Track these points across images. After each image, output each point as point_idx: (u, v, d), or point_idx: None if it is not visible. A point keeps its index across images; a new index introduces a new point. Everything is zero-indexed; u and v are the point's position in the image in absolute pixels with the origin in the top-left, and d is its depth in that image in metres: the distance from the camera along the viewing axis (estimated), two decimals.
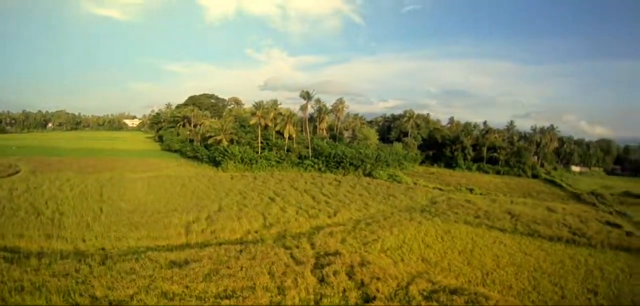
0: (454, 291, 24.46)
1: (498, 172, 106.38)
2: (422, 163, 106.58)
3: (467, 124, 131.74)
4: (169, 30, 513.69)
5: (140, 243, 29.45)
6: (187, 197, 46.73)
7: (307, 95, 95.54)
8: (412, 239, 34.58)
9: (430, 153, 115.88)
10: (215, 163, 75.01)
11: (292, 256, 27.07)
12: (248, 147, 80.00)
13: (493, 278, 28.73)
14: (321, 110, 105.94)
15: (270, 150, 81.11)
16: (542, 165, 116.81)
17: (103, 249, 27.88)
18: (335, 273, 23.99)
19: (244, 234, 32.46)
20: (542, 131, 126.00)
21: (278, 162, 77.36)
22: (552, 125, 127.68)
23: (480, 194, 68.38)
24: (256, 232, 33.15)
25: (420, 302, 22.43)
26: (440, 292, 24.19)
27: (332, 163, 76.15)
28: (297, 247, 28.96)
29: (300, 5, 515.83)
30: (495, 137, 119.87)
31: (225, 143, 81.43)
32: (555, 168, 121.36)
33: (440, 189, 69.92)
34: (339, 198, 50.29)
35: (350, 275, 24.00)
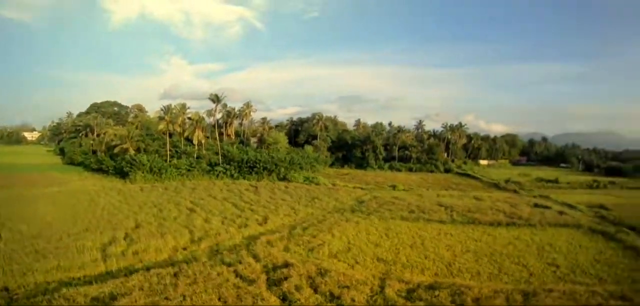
0: (431, 287, 23.95)
1: (410, 169, 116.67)
2: (332, 165, 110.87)
3: (378, 124, 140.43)
4: (71, 37, 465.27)
5: (51, 276, 26.03)
6: (97, 214, 44.46)
7: (216, 98, 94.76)
8: (357, 240, 35.09)
9: (340, 155, 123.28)
10: (123, 175, 74.40)
11: (238, 274, 24.89)
12: (156, 155, 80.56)
13: (458, 267, 29.35)
14: (230, 114, 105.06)
15: (180, 157, 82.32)
16: (452, 161, 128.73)
17: (6, 289, 23.77)
18: (297, 288, 22.46)
19: (172, 252, 30.28)
20: (452, 128, 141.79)
21: (188, 170, 78.18)
22: (460, 123, 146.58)
23: (404, 190, 73.41)
24: (185, 249, 31.14)
25: (405, 304, 21.45)
26: (418, 290, 23.45)
27: (245, 169, 78.77)
28: (240, 262, 27.13)
29: (204, 11, 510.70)
30: (406, 136, 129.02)
31: (132, 151, 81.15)
32: (465, 163, 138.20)
33: (361, 188, 73.74)
34: (263, 204, 50.95)
35: (314, 288, 22.84)
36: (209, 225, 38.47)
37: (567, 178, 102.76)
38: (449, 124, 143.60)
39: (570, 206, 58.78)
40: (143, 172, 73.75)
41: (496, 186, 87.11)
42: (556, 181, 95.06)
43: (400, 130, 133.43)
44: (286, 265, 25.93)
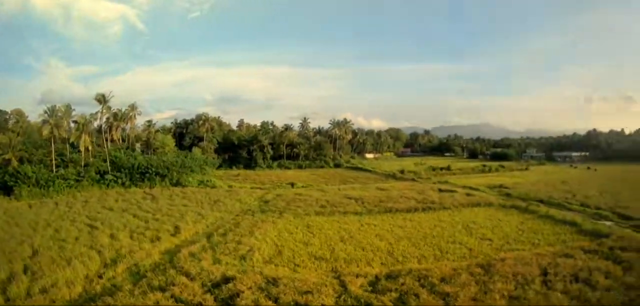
0: (392, 276, 24.19)
1: (300, 166, 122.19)
2: (219, 167, 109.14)
3: (265, 123, 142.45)
4: None
5: None
6: None
7: (102, 98, 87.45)
8: (283, 241, 34.98)
9: (226, 156, 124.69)
10: (6, 191, 68.50)
11: (178, 299, 21.68)
12: (41, 165, 75.82)
13: (400, 254, 30.46)
14: (116, 117, 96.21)
15: (66, 167, 78.19)
16: (340, 156, 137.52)
17: None
18: (256, 303, 20.57)
19: (86, 283, 26.32)
20: (338, 124, 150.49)
21: (77, 180, 74.78)
22: (345, 119, 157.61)
23: (304, 187, 75.35)
24: (101, 277, 27.55)
25: (379, 297, 20.99)
26: (381, 282, 23.47)
27: (136, 176, 77.55)
28: (173, 285, 23.74)
29: (85, 6, 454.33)
30: (293, 134, 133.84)
31: (15, 163, 75.09)
32: (353, 157, 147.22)
33: (260, 188, 74.37)
34: (166, 213, 49.23)
35: (274, 299, 21.08)
36: (117, 243, 35.22)
37: (457, 165, 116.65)
38: (335, 120, 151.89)
39: (473, 188, 65.91)
40: (29, 186, 69.25)
41: (393, 176, 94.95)
42: (449, 168, 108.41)
43: (287, 128, 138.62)
44: (227, 279, 23.74)
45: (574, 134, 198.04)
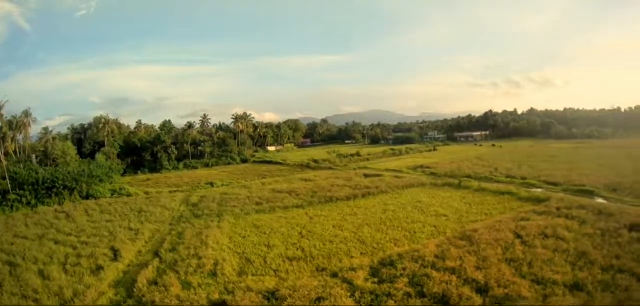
0: (391, 262, 25.06)
1: (207, 165, 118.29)
2: (124, 173, 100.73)
3: (166, 123, 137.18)
4: None
5: None
6: None
7: None
8: (241, 246, 33.63)
9: (129, 160, 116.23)
10: None
11: None
12: None
13: (374, 241, 31.56)
14: (12, 124, 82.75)
15: None
16: (244, 151, 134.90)
17: None
18: None
19: None
20: (239, 119, 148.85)
21: None
22: (245, 113, 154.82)
23: (224, 185, 73.79)
24: None
25: (404, 282, 21.82)
26: (384, 268, 24.34)
27: (42, 192, 68.16)
28: None
29: None
30: (196, 132, 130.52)
31: None
32: (256, 151, 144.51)
33: (180, 191, 70.74)
34: (92, 233, 42.76)
35: None
36: (53, 283, 28.46)
37: (364, 151, 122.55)
38: (237, 114, 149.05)
39: (396, 171, 70.10)
40: None
41: (307, 167, 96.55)
42: (358, 154, 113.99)
43: (190, 126, 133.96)
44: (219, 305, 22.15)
45: (469, 115, 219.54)
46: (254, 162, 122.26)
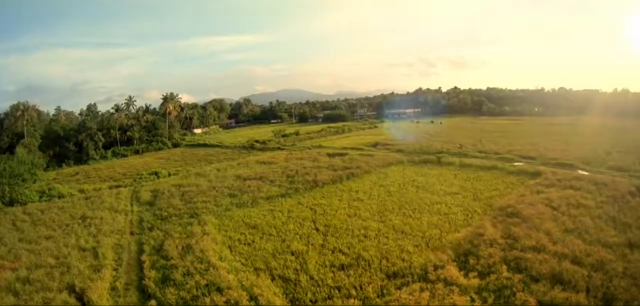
0: (470, 250, 24.56)
1: (137, 152, 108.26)
2: (47, 168, 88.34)
3: (92, 106, 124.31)
4: None
5: None
6: None
7: None
8: (257, 260, 26.75)
9: (52, 152, 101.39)
10: None
11: None
12: None
13: (388, 228, 30.27)
14: None
15: None
16: (174, 134, 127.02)
17: None
18: None
19: None
20: (167, 99, 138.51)
21: None
22: (172, 93, 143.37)
23: (171, 175, 67.51)
24: None
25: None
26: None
27: None
28: None
29: None
30: (123, 116, 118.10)
31: None
32: (185, 134, 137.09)
33: (122, 186, 61.47)
34: (35, 263, 30.53)
35: None
36: None
37: (303, 130, 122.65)
38: (166, 94, 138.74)
39: (358, 149, 70.48)
40: None
41: (252, 148, 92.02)
42: (298, 133, 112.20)
43: (118, 109, 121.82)
44: None
45: (392, 93, 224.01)
46: (187, 146, 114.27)
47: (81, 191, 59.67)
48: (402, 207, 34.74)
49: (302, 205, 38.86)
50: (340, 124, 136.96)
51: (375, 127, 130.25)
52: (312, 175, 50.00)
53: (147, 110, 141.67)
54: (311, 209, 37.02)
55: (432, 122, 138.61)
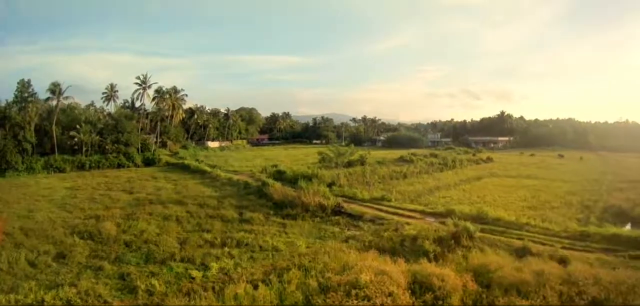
0: None
1: (82, 166, 71.09)
2: None
3: (24, 83, 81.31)
4: None
5: None
6: None
7: None
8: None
9: None
10: None
11: None
12: None
13: None
14: None
15: None
16: (163, 145, 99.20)
17: None
18: None
19: None
20: (162, 95, 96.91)
21: None
22: (175, 88, 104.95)
23: None
24: None
25: None
26: None
27: None
28: None
29: None
30: (78, 113, 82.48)
31: None
32: (184, 147, 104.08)
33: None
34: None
35: None
36: None
37: (372, 155, 71.13)
38: (162, 89, 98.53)
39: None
40: None
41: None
42: (363, 163, 64.04)
43: (55, 92, 75.00)
44: None
45: (439, 120, 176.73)
46: (169, 165, 74.92)
47: None
48: None
49: None
50: (425, 151, 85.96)
51: (490, 160, 79.16)
52: None
53: (124, 105, 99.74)
54: None
55: (561, 155, 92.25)
